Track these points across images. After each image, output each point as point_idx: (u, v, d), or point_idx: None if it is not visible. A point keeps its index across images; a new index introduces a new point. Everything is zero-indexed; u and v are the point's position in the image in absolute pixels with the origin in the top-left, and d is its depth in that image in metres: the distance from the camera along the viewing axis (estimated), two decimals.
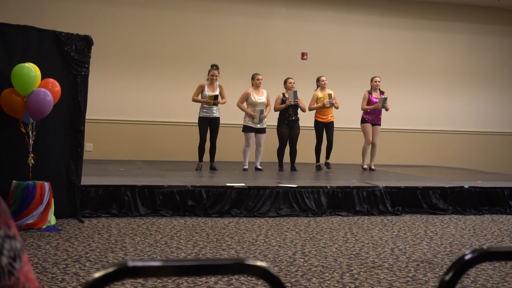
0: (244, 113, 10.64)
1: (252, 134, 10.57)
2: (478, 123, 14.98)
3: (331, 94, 11.03)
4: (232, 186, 7.88)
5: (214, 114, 10.25)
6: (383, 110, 11.35)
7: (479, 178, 10.44)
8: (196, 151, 10.47)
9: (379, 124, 11.38)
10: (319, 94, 11.14)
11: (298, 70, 13.26)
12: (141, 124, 12.72)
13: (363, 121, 11.36)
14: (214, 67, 10.33)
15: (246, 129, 10.59)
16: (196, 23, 13.05)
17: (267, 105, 10.64)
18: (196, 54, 12.92)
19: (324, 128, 11.17)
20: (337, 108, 11.20)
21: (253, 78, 10.70)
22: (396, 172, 11.52)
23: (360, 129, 11.50)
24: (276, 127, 10.93)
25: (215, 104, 10.15)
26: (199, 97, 10.23)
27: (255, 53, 13.35)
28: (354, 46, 14.02)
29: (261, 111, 10.52)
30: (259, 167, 10.64)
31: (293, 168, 10.87)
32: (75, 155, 7.11)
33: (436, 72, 14.61)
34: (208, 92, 10.15)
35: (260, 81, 10.62)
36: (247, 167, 10.57)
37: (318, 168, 11.26)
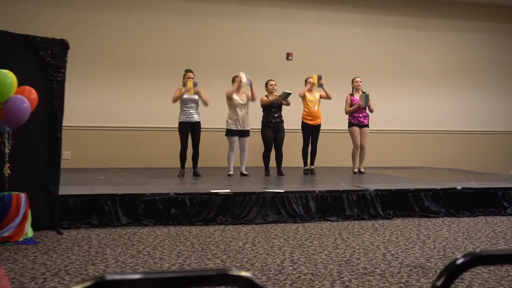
0: (227, 117, 10.63)
1: (236, 138, 10.58)
2: (471, 123, 15.07)
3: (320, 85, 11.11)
4: (217, 193, 7.86)
5: (195, 119, 10.27)
6: (368, 111, 11.41)
7: (472, 178, 10.48)
8: (178, 157, 10.44)
9: (367, 126, 11.42)
10: (308, 96, 11.15)
11: (283, 71, 13.29)
12: (121, 130, 12.67)
13: (350, 124, 11.40)
14: (188, 70, 10.38)
15: (230, 133, 10.60)
16: (178, 26, 13.04)
17: (249, 98, 10.69)
18: (178, 58, 12.90)
19: (311, 131, 11.18)
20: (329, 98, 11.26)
21: (233, 80, 10.72)
22: (386, 174, 11.54)
23: (348, 132, 11.54)
24: (260, 130, 10.92)
25: (197, 92, 10.14)
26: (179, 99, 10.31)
27: (239, 55, 13.35)
28: (341, 45, 14.06)
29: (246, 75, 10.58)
30: (245, 172, 10.64)
31: (280, 173, 10.88)
32: (53, 164, 7.06)
33: (426, 71, 14.68)
34: (186, 95, 10.19)
35: (241, 84, 10.62)
36: (232, 172, 10.57)
37: (306, 172, 11.26)
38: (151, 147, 12.78)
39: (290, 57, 13.67)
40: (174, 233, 6.98)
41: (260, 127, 10.95)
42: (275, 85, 10.95)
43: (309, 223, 7.84)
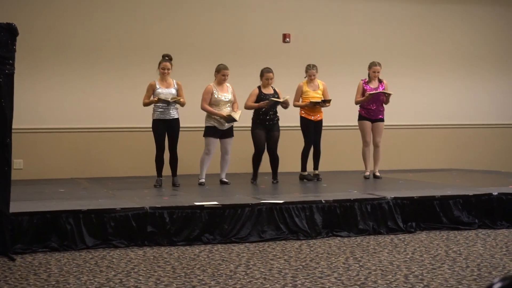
0: (205, 113, 10.65)
1: (216, 140, 10.59)
2: (509, 114, 15.07)
3: (319, 101, 11.06)
4: (202, 206, 7.88)
5: (172, 115, 10.30)
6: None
7: (511, 182, 10.53)
8: (153, 163, 10.46)
9: (382, 120, 11.46)
10: (305, 86, 11.17)
11: (280, 55, 13.31)
12: (84, 133, 12.67)
13: (360, 117, 11.46)
14: (166, 57, 10.36)
15: (209, 132, 10.60)
16: (149, 3, 13.02)
17: (233, 102, 10.70)
18: (150, 42, 12.90)
19: (314, 128, 11.21)
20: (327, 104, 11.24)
21: (218, 71, 10.69)
22: (407, 178, 11.59)
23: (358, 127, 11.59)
24: (250, 129, 10.94)
25: (176, 102, 10.20)
26: (152, 98, 10.33)
27: (223, 37, 13.34)
28: (350, 24, 14.07)
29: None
30: (225, 179, 10.69)
31: (275, 180, 10.91)
32: (1, 176, 7.06)
33: (456, 54, 14.70)
34: (161, 89, 10.20)
35: (226, 77, 10.65)
36: (203, 180, 10.63)
37: (305, 178, 11.28)
38: (119, 152, 12.77)
39: (288, 39, 13.68)
40: (151, 256, 6.99)
41: (250, 124, 10.95)
42: (272, 78, 10.92)
43: (314, 240, 7.86)
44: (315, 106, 11.10)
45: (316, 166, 11.40)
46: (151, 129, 10.42)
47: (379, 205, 8.41)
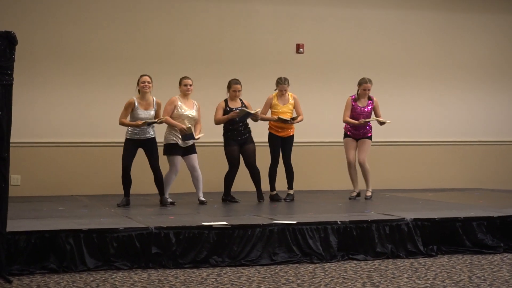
0: (166, 128, 10.57)
1: (180, 157, 10.51)
2: None
3: (290, 119, 10.97)
4: (211, 226, 7.85)
5: (148, 134, 10.31)
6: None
7: None
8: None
9: (369, 138, 11.31)
10: (275, 99, 11.09)
11: (293, 66, 13.28)
12: (85, 147, 12.66)
13: (345, 135, 11.38)
14: (145, 75, 10.34)
15: (172, 150, 10.48)
16: (154, 12, 13.04)
17: (197, 122, 10.63)
18: (154, 53, 12.91)
19: (281, 144, 11.14)
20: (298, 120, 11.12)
21: (180, 83, 10.62)
22: (427, 199, 11.54)
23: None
24: (223, 145, 10.90)
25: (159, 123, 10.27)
26: (128, 119, 10.31)
27: (235, 47, 13.35)
28: (365, 34, 14.07)
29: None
30: (202, 198, 10.60)
31: (260, 197, 10.93)
32: None
33: (473, 66, 14.66)
34: (141, 110, 10.18)
35: (188, 87, 10.55)
36: (170, 199, 10.59)
37: (273, 198, 11.18)
38: (120, 168, 12.74)
39: (301, 49, 13.69)
40: (156, 279, 6.96)
41: (222, 140, 10.92)
42: (239, 91, 10.85)
43: (329, 264, 7.82)
44: (282, 123, 10.98)
45: (290, 185, 11.29)
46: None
47: (397, 227, 8.37)
